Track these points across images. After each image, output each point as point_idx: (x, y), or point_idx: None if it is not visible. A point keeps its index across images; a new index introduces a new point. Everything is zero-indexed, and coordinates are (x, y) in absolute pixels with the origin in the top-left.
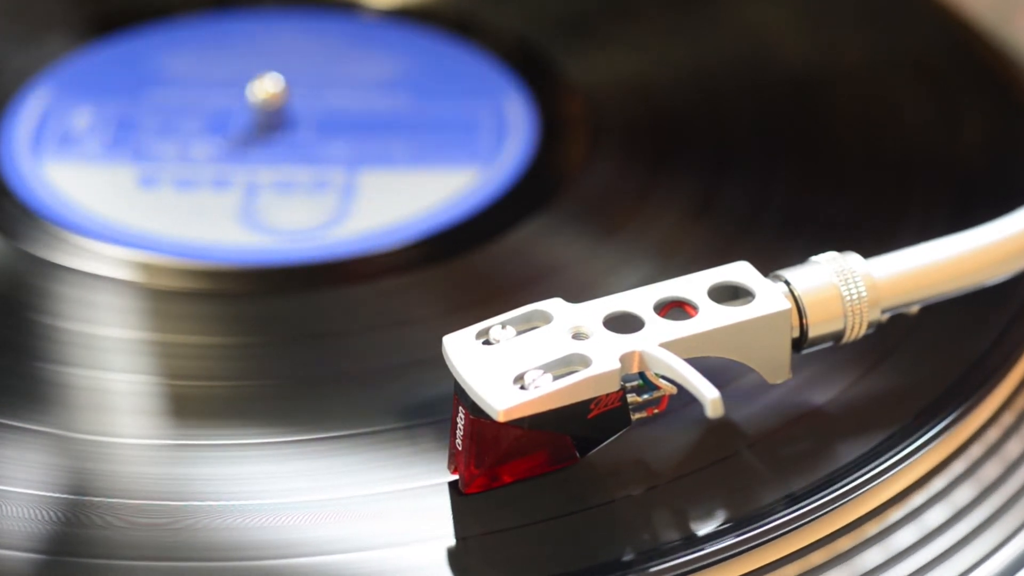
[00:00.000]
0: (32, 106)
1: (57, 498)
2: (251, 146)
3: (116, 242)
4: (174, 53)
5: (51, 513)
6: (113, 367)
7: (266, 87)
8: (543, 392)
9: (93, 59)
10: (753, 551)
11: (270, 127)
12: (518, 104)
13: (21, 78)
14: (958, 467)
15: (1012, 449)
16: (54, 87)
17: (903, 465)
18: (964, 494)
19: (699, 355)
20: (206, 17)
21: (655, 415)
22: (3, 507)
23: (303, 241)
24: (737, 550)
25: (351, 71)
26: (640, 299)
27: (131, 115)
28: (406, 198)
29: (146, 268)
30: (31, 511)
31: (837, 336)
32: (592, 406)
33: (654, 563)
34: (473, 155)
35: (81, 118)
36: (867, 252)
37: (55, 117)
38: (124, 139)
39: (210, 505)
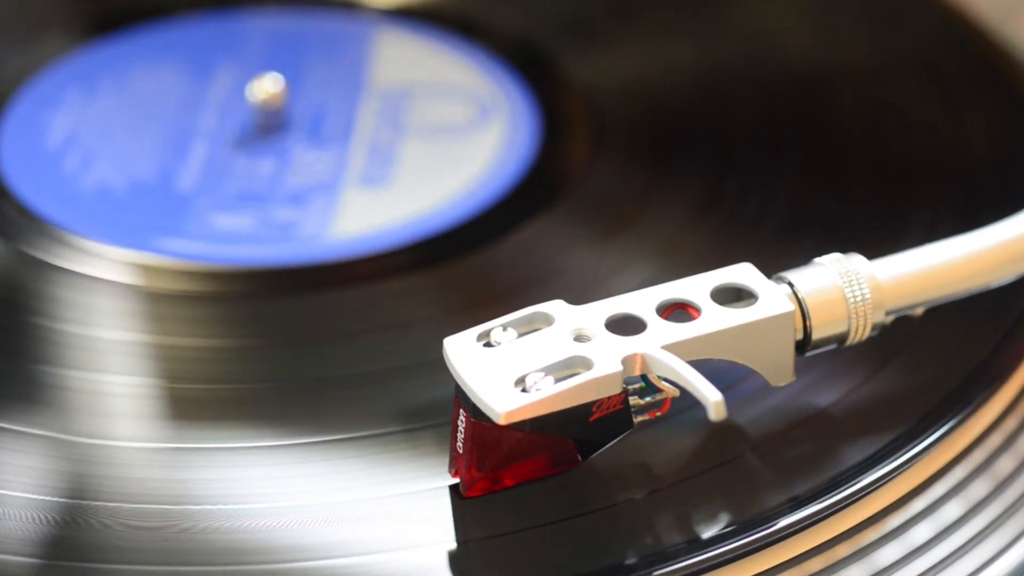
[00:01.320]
0: (30, 105)
1: (55, 501)
2: (250, 146)
3: (114, 243)
4: (174, 52)
5: (49, 517)
6: (111, 369)
7: (266, 87)
8: (545, 395)
9: (92, 59)
10: (756, 555)
11: (270, 127)
12: (520, 104)
13: (20, 78)
14: (964, 469)
15: (1019, 452)
16: (52, 86)
17: (908, 468)
18: (971, 495)
19: (702, 357)
20: (206, 17)
21: (657, 418)
22: (1, 510)
23: (303, 242)
24: (740, 553)
25: (352, 71)
26: (642, 301)
27: (130, 114)
28: (407, 199)
29: (144, 270)
30: (29, 514)
31: (841, 338)
32: (594, 409)
33: (657, 567)
34: (474, 156)
35: (78, 117)
36: (871, 254)
37: (51, 117)
38: (123, 137)
39: (208, 509)
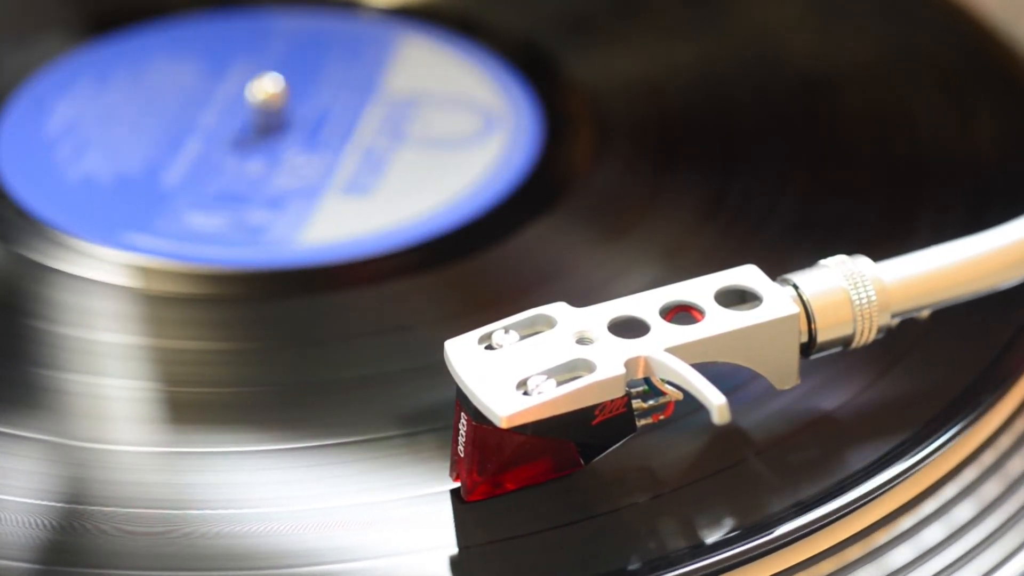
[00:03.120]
0: (29, 105)
1: (53, 506)
2: (244, 147)
3: (112, 245)
4: (175, 52)
5: (46, 521)
6: (110, 373)
7: (266, 87)
8: (547, 398)
9: (91, 58)
10: (761, 560)
11: (269, 128)
12: (523, 104)
13: (18, 77)
14: (972, 473)
15: None
16: (51, 85)
17: (915, 472)
18: (979, 498)
19: (706, 360)
20: (206, 17)
21: (661, 421)
22: None
23: (304, 243)
24: (745, 559)
25: (352, 72)
26: (646, 303)
27: (133, 109)
28: (408, 200)
29: (143, 271)
30: (26, 519)
31: (846, 341)
32: (597, 412)
33: (661, 572)
34: (476, 156)
35: (79, 113)
36: (877, 255)
37: (50, 116)
38: (119, 131)
39: (207, 513)
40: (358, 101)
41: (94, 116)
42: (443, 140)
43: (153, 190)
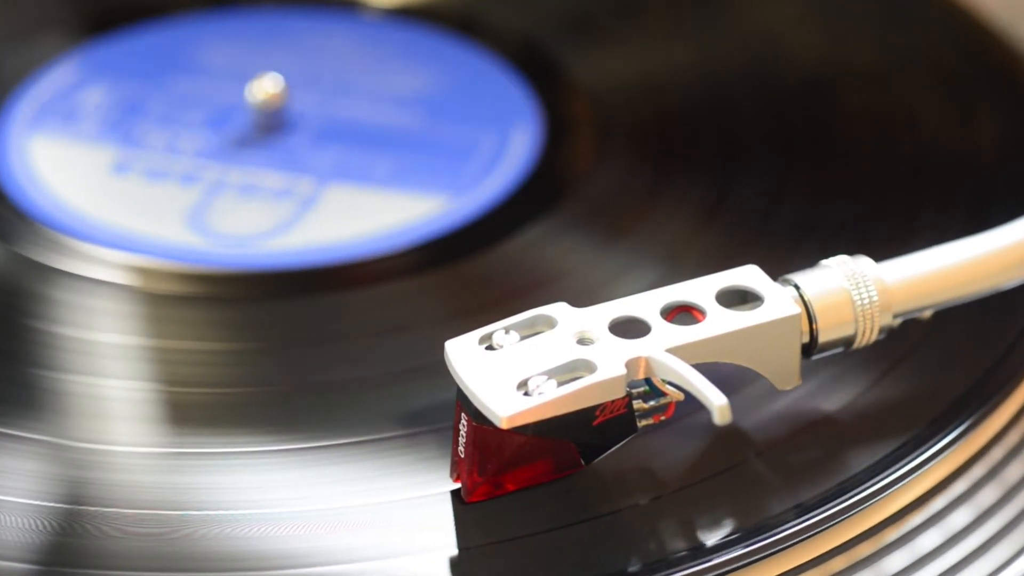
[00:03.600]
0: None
1: (52, 507)
2: (245, 147)
3: (111, 245)
4: (174, 52)
5: (46, 523)
6: (110, 373)
7: (265, 87)
8: (547, 398)
9: (91, 58)
10: (761, 562)
11: (269, 128)
12: (523, 105)
13: (16, 77)
14: (974, 475)
15: None
16: (51, 85)
17: (917, 473)
18: (983, 500)
19: (707, 361)
20: (206, 16)
21: (662, 422)
22: None
23: (304, 244)
24: (745, 561)
25: (353, 72)
26: (647, 303)
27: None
28: (408, 200)
29: (143, 272)
30: (26, 520)
31: (848, 342)
32: (597, 413)
33: (661, 574)
34: (477, 157)
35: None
36: (879, 256)
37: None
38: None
39: (208, 514)
40: (352, 96)
41: (94, 116)
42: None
43: (173, 194)
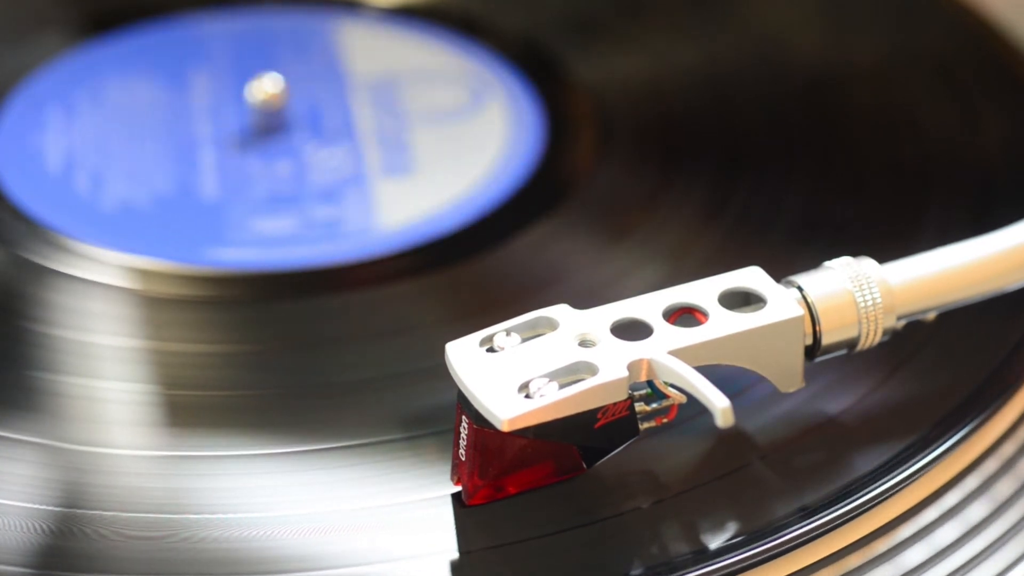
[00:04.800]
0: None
1: (50, 510)
2: (247, 147)
3: (109, 246)
4: (173, 51)
5: (44, 526)
6: (108, 375)
7: (265, 87)
8: (549, 401)
9: (90, 58)
10: (765, 565)
11: (269, 128)
12: (525, 105)
13: (15, 77)
14: (978, 477)
15: None
16: (50, 85)
17: (921, 476)
18: (989, 501)
19: (709, 363)
20: (206, 16)
21: (664, 425)
22: None
23: (303, 246)
24: (749, 564)
25: (353, 72)
26: (649, 305)
27: (127, 114)
28: (408, 202)
29: (141, 273)
30: (24, 524)
31: (851, 344)
32: (599, 415)
33: None
34: (478, 158)
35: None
36: (882, 257)
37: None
38: (118, 135)
39: (207, 518)
40: (352, 97)
41: (94, 116)
42: (449, 125)
43: (198, 204)
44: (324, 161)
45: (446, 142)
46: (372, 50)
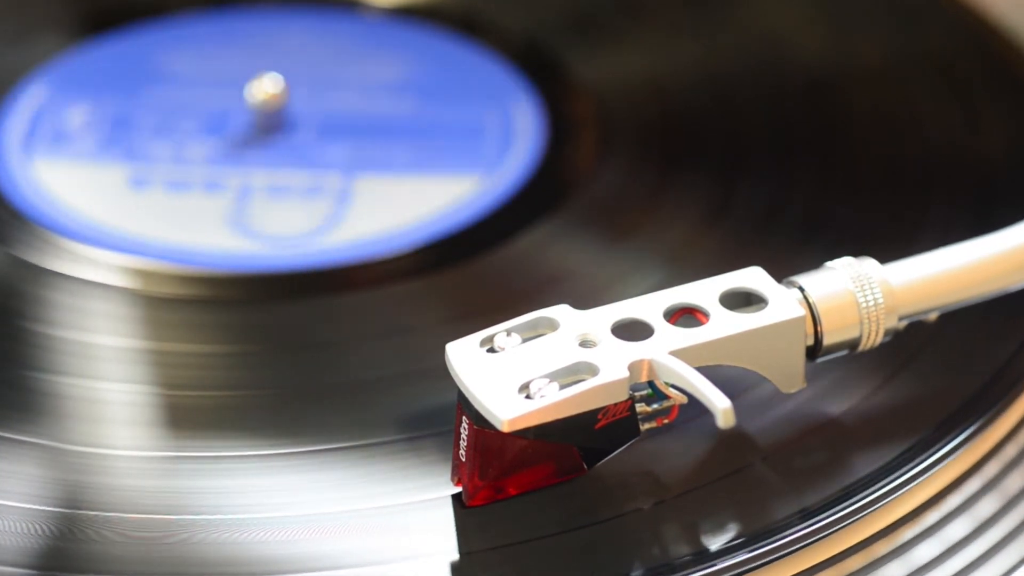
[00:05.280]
0: (26, 104)
1: (50, 511)
2: (248, 148)
3: (109, 247)
4: (172, 52)
5: (44, 527)
6: (107, 376)
7: (265, 88)
8: (549, 401)
9: (90, 57)
10: (766, 567)
11: (269, 129)
12: (525, 106)
13: (14, 77)
14: (980, 479)
15: None
16: (49, 85)
17: (923, 477)
18: (988, 505)
19: (710, 363)
20: (205, 16)
21: (665, 425)
22: None
23: (304, 246)
24: (750, 566)
25: (354, 72)
26: (649, 306)
27: (127, 114)
28: (409, 203)
29: (140, 274)
30: (23, 525)
31: (853, 344)
32: (600, 416)
33: None
34: (479, 159)
35: (75, 116)
36: (884, 257)
37: (49, 115)
38: (118, 139)
39: (206, 519)
40: (352, 97)
41: (94, 116)
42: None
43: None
44: (324, 161)
45: (446, 142)
46: (372, 50)
